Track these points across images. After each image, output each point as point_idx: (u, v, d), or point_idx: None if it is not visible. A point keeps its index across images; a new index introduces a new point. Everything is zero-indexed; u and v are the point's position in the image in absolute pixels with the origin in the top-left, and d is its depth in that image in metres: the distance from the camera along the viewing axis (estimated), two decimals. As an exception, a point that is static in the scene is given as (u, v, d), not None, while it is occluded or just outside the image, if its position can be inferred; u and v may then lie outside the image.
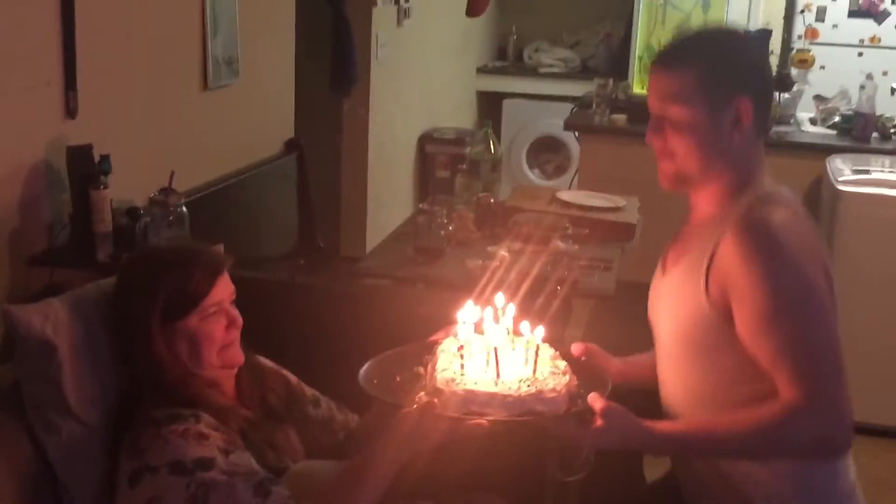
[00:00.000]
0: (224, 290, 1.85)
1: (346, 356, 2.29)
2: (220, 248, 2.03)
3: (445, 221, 2.98)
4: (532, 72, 6.74)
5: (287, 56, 3.87)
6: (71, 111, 2.50)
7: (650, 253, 3.76)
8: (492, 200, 3.23)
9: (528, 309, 1.96)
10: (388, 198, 5.08)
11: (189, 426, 1.71)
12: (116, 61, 2.72)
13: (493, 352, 1.64)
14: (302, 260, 2.57)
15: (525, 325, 1.74)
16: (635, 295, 3.53)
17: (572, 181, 5.13)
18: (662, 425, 1.77)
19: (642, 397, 1.82)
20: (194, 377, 1.82)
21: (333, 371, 2.22)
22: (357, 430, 2.10)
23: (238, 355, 1.89)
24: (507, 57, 7.01)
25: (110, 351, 1.85)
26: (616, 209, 3.35)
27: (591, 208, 3.31)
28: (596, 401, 1.65)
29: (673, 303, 1.88)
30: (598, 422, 1.65)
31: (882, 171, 3.91)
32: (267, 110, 3.71)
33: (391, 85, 4.97)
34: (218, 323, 1.83)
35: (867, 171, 3.90)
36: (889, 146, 4.36)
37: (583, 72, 6.56)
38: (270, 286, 2.44)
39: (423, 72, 5.57)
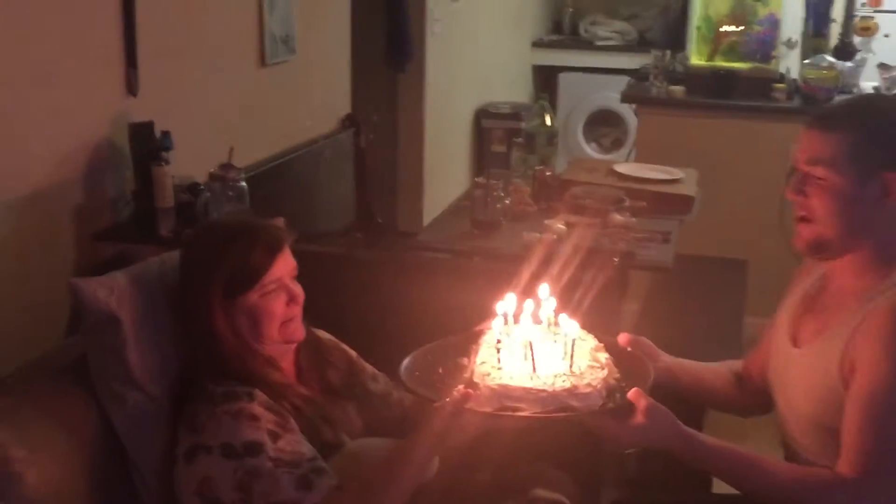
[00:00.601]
0: (284, 266, 1.86)
1: (403, 329, 2.31)
2: (281, 221, 2.05)
3: (502, 195, 2.98)
4: (588, 45, 6.68)
5: (343, 32, 3.89)
6: (132, 89, 2.54)
7: (708, 225, 3.75)
8: (548, 173, 3.22)
9: (571, 298, 1.95)
10: (445, 173, 5.09)
11: (242, 405, 1.74)
12: (175, 39, 2.75)
13: (529, 346, 1.63)
14: (359, 234, 2.59)
15: (563, 318, 1.72)
16: (693, 267, 3.52)
17: (629, 154, 5.09)
18: (706, 437, 1.73)
19: (678, 405, 1.78)
20: (253, 354, 1.84)
21: (390, 345, 2.23)
22: (411, 409, 2.11)
23: (299, 331, 1.90)
24: (563, 30, 6.95)
25: (172, 324, 1.89)
26: (674, 181, 3.32)
27: (649, 180, 3.28)
28: (640, 398, 1.63)
29: (809, 383, 1.80)
30: (639, 419, 1.63)
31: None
32: (324, 86, 3.74)
33: (446, 60, 4.97)
34: (278, 299, 1.85)
35: (932, 141, 3.81)
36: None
37: (640, 44, 6.49)
38: (328, 260, 2.46)
39: (478, 46, 5.56)
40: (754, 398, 2.07)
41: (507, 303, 1.74)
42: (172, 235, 2.40)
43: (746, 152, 4.37)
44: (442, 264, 2.65)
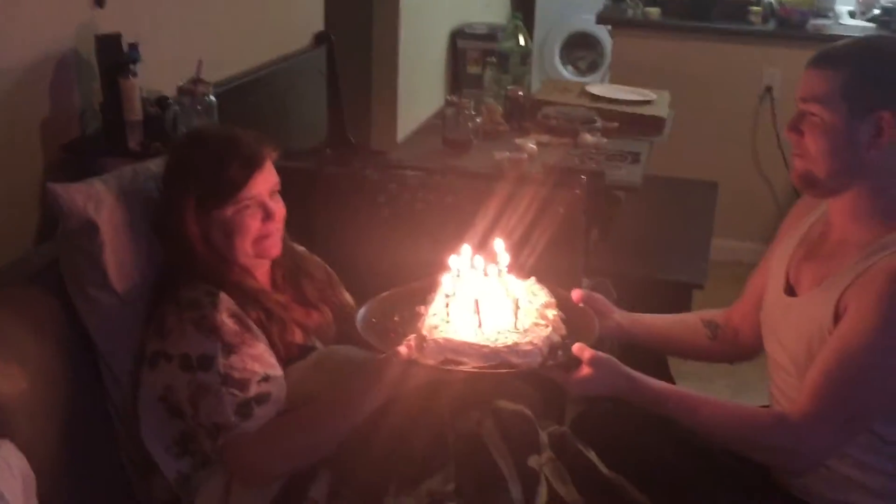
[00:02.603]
0: (263, 182, 1.86)
1: (373, 246, 2.33)
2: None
3: (473, 113, 2.98)
4: (566, -35, 6.60)
5: (316, -54, 3.83)
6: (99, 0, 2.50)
7: (680, 147, 3.76)
8: (520, 93, 3.22)
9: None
10: (419, 92, 5.05)
11: (205, 313, 1.76)
12: (144, -51, 2.70)
13: (475, 302, 1.67)
14: (328, 150, 2.58)
15: (511, 277, 1.76)
16: (663, 188, 3.54)
17: (604, 76, 5.08)
18: (651, 380, 1.78)
19: (641, 355, 1.84)
20: (227, 263, 1.86)
21: (358, 261, 2.26)
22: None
23: (274, 247, 1.91)
24: (542, -50, 6.86)
25: (148, 230, 1.91)
26: (646, 103, 3.33)
27: (621, 101, 3.29)
28: (583, 350, 1.69)
29: (805, 333, 1.79)
30: (585, 370, 1.69)
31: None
32: (296, 2, 3.69)
33: (422, -23, 4.90)
34: (254, 215, 1.85)
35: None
36: (930, 41, 4.26)
37: (619, -35, 6.42)
38: (297, 175, 2.44)
39: (456, -36, 5.48)
40: (733, 347, 2.09)
41: (460, 256, 1.77)
42: (141, 148, 2.39)
43: (720, 75, 4.37)
44: (412, 180, 2.65)
